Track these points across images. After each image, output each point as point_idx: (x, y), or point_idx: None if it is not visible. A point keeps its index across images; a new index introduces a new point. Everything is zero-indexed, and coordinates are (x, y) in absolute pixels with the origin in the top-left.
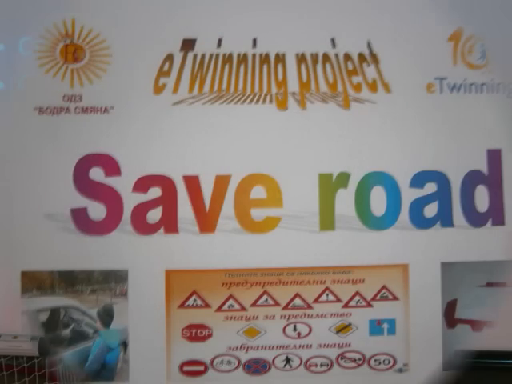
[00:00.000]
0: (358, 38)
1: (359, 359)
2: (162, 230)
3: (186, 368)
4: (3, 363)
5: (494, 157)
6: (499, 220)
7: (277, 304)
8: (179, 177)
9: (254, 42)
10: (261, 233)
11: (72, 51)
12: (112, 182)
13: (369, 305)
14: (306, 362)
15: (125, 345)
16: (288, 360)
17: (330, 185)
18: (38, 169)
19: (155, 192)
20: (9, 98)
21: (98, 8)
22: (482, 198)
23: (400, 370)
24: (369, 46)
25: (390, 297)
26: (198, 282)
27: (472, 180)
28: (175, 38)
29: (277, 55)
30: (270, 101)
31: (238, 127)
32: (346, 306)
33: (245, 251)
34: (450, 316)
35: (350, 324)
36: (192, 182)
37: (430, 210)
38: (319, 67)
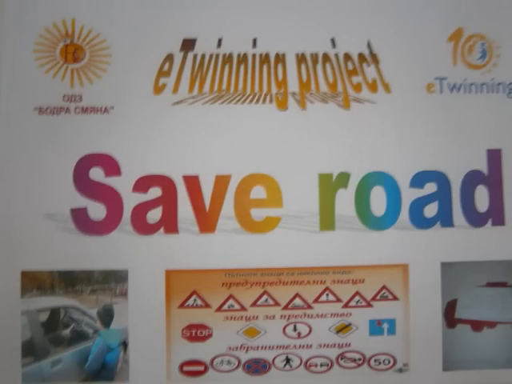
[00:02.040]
0: (357, 38)
1: (359, 359)
2: (161, 230)
3: (185, 368)
4: None
5: (494, 157)
6: (499, 220)
7: (277, 304)
8: (179, 177)
9: (254, 42)
10: (261, 233)
11: (72, 51)
12: (112, 181)
13: (369, 305)
14: (306, 362)
15: (125, 345)
16: (288, 360)
17: (330, 185)
18: (38, 169)
19: (155, 192)
20: (9, 98)
21: (98, 8)
22: (482, 198)
23: (400, 370)
24: (369, 46)
25: (390, 297)
26: (198, 282)
27: (472, 180)
28: (175, 38)
29: (277, 55)
30: (270, 101)
31: (238, 127)
32: (345, 305)
33: (245, 251)
34: (450, 316)
35: (350, 324)
36: (192, 182)
37: (430, 210)
38: (319, 67)
